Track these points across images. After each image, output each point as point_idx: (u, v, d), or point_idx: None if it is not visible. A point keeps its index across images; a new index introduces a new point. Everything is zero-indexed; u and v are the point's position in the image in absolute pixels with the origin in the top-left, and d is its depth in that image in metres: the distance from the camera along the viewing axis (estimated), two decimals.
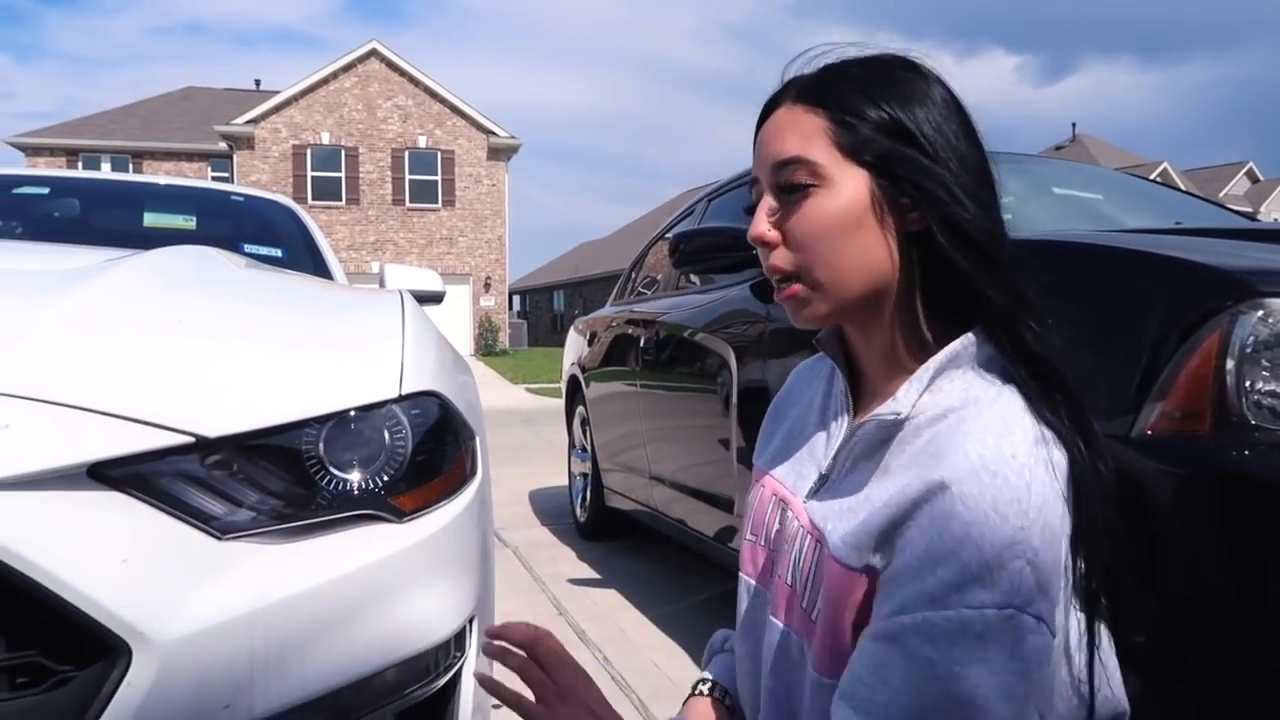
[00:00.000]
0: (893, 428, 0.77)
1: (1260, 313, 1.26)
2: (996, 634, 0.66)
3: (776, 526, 0.88)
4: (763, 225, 0.81)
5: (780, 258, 0.81)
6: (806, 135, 0.79)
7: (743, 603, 0.93)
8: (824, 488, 0.84)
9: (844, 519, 0.77)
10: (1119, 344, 1.34)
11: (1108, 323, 1.38)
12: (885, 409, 0.77)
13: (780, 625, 0.84)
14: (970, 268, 0.76)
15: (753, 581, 0.92)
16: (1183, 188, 3.49)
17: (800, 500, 0.85)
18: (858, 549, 0.74)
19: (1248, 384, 1.25)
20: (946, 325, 0.79)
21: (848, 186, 0.78)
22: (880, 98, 0.79)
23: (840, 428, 0.85)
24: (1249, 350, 1.25)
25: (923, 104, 0.79)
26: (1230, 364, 1.25)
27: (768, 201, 0.82)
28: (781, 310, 2.88)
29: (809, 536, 0.81)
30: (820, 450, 0.87)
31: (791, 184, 0.79)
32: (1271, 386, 1.25)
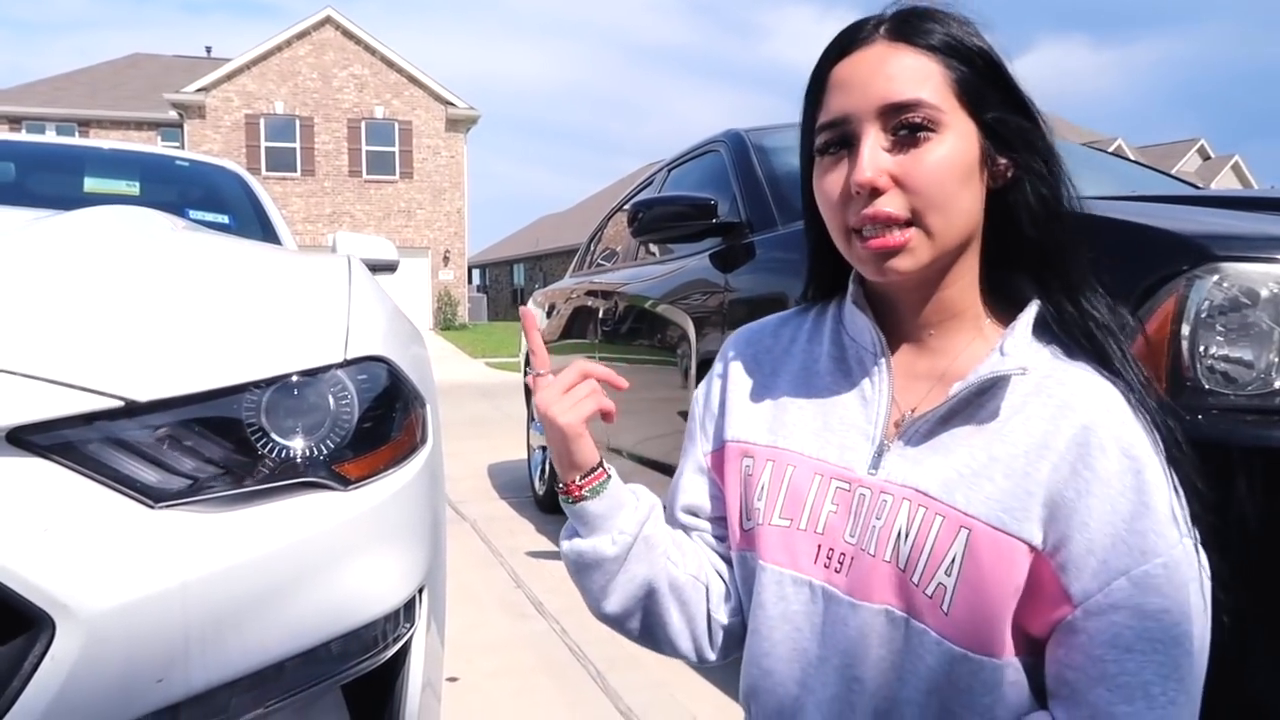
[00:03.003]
0: (999, 382, 0.77)
1: (1216, 277, 1.26)
2: (1190, 561, 0.72)
3: (831, 508, 0.81)
4: (872, 170, 0.75)
5: (893, 203, 0.76)
6: (924, 78, 0.76)
7: (768, 591, 0.84)
8: (895, 453, 0.79)
9: (978, 485, 0.74)
10: None
11: None
12: (1005, 365, 0.76)
13: (875, 607, 0.78)
14: (1048, 240, 0.80)
15: (790, 572, 0.83)
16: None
17: (864, 474, 0.80)
18: (1014, 514, 0.73)
19: (1202, 349, 1.25)
20: (999, 280, 0.83)
21: (963, 135, 0.77)
22: (986, 52, 0.78)
23: (881, 387, 0.82)
24: (1204, 315, 1.25)
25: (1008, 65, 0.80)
26: (1186, 329, 1.25)
27: (877, 144, 0.76)
28: (741, 280, 2.83)
29: (922, 509, 0.76)
30: (862, 416, 0.82)
31: (911, 124, 0.76)
32: (1225, 351, 1.25)
